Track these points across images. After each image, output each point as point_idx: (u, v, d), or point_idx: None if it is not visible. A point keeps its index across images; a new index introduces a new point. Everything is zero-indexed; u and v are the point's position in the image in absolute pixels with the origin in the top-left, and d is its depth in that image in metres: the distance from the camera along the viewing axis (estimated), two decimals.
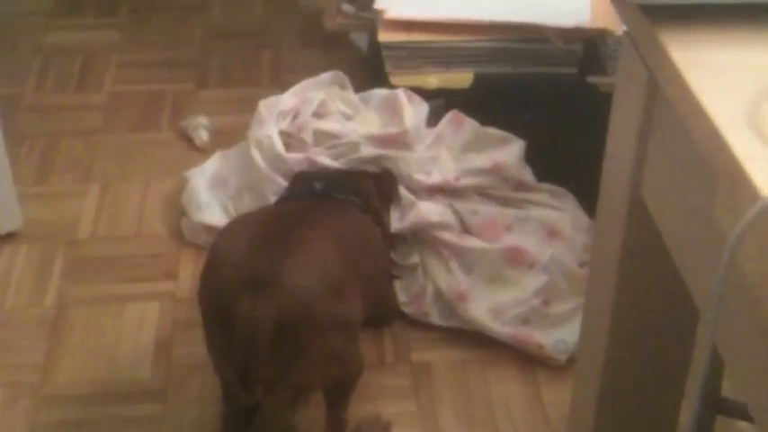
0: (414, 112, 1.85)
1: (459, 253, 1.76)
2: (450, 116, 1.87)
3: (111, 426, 1.60)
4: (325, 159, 1.82)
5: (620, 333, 1.06)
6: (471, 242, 1.77)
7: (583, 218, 1.84)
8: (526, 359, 1.72)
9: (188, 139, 2.21)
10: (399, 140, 1.83)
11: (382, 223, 1.74)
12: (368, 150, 1.81)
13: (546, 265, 1.74)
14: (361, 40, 2.37)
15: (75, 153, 2.21)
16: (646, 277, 1.02)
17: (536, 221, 1.81)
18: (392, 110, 1.86)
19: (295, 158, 1.83)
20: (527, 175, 1.86)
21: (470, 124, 1.86)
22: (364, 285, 1.54)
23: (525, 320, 1.72)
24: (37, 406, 1.62)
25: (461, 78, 1.90)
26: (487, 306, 1.73)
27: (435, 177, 1.82)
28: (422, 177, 1.81)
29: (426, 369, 1.70)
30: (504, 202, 1.85)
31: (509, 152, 1.85)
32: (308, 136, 1.86)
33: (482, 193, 1.84)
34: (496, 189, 1.85)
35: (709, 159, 0.72)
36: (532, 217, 1.81)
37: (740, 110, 0.71)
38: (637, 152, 0.93)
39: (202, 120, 2.23)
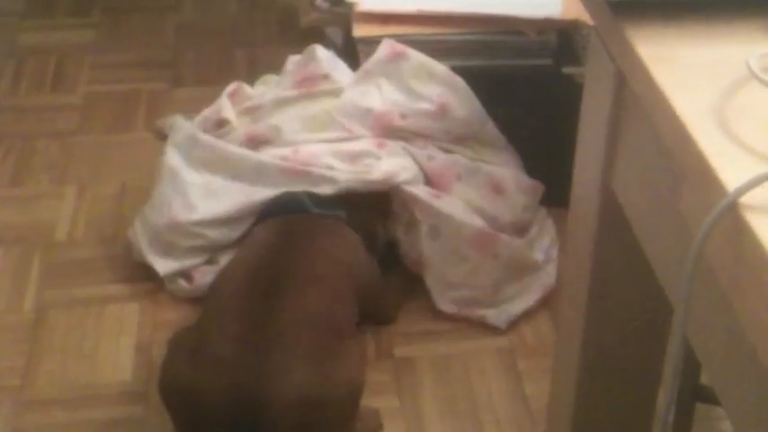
0: (331, 57, 1.87)
1: (431, 215, 1.73)
2: (385, 47, 1.84)
3: (94, 428, 1.59)
4: (229, 112, 1.83)
5: (595, 322, 1.07)
6: (447, 207, 1.74)
7: (523, 177, 1.86)
8: (508, 352, 1.72)
9: (164, 139, 2.20)
10: (317, 76, 1.83)
11: (372, 233, 1.73)
12: (287, 93, 1.81)
13: (507, 260, 1.75)
14: (336, 34, 2.36)
15: (51, 155, 2.19)
16: (620, 267, 1.02)
17: (484, 175, 1.81)
18: (308, 60, 1.89)
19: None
20: (475, 125, 1.85)
21: (412, 55, 1.83)
22: (359, 299, 1.59)
23: (471, 303, 1.75)
24: (18, 410, 1.61)
25: None
26: (443, 277, 1.74)
27: (376, 111, 1.79)
28: (360, 120, 1.79)
29: (409, 364, 1.70)
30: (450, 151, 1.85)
31: (456, 95, 1.83)
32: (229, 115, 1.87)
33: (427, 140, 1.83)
34: (440, 141, 1.83)
35: (676, 154, 0.72)
36: (481, 170, 1.81)
37: (706, 105, 0.72)
38: (607, 145, 0.94)
39: (178, 118, 2.21)
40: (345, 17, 2.07)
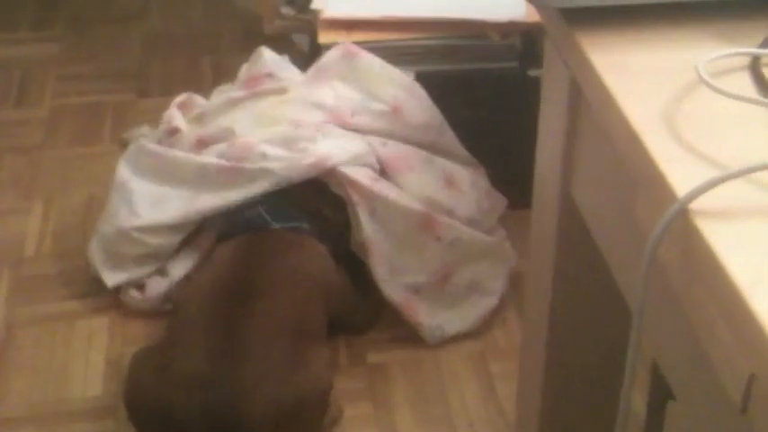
0: (278, 58, 1.89)
1: (370, 197, 1.70)
2: (340, 48, 1.84)
3: None
4: (179, 120, 1.83)
5: (559, 324, 1.08)
6: (386, 191, 1.72)
7: (484, 181, 1.87)
8: (480, 355, 1.73)
9: None
10: (262, 75, 1.84)
11: (337, 239, 1.72)
12: (234, 95, 1.83)
13: (451, 242, 1.73)
14: (303, 40, 2.36)
15: (17, 169, 2.18)
16: (581, 270, 1.03)
17: (438, 167, 1.80)
18: (254, 61, 1.91)
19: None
20: (432, 133, 1.84)
21: (366, 56, 1.82)
22: (330, 310, 1.59)
23: (417, 291, 1.72)
24: None
25: None
26: (388, 261, 1.72)
27: (328, 106, 1.78)
28: (309, 116, 1.78)
29: (381, 370, 1.70)
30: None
31: (412, 100, 1.82)
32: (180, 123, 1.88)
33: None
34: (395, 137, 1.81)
35: (628, 161, 0.73)
36: (436, 162, 1.81)
37: (657, 111, 0.72)
38: (565, 151, 0.94)
39: (145, 130, 2.20)
40: (311, 24, 2.07)
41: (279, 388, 1.41)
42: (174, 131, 1.90)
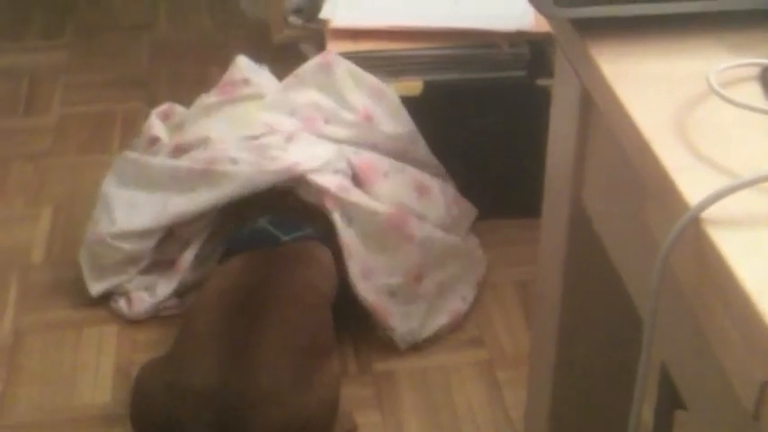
0: (254, 66, 1.92)
1: (340, 204, 1.72)
2: (318, 57, 1.86)
3: None
4: (159, 129, 1.87)
5: (569, 332, 1.08)
6: (356, 197, 1.74)
7: (452, 190, 1.89)
8: (487, 363, 1.73)
9: None
10: (238, 81, 1.87)
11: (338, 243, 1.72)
12: (210, 100, 1.86)
13: (422, 241, 1.75)
14: (311, 50, 2.36)
15: (26, 177, 2.19)
16: (591, 277, 1.03)
17: (409, 175, 1.83)
18: (231, 69, 1.95)
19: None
20: (404, 142, 1.85)
21: (344, 64, 1.84)
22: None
23: (392, 293, 1.73)
24: None
25: (411, 86, 1.91)
26: (364, 262, 1.72)
27: (302, 113, 1.80)
28: (284, 122, 1.80)
29: (389, 378, 1.71)
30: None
31: (384, 108, 1.84)
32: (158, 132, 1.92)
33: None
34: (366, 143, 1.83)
35: (639, 169, 0.73)
36: (407, 170, 1.83)
37: (667, 120, 0.73)
38: (575, 158, 0.95)
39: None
40: (319, 33, 2.08)
41: (286, 407, 1.41)
42: (153, 141, 1.92)
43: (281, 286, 1.55)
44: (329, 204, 1.71)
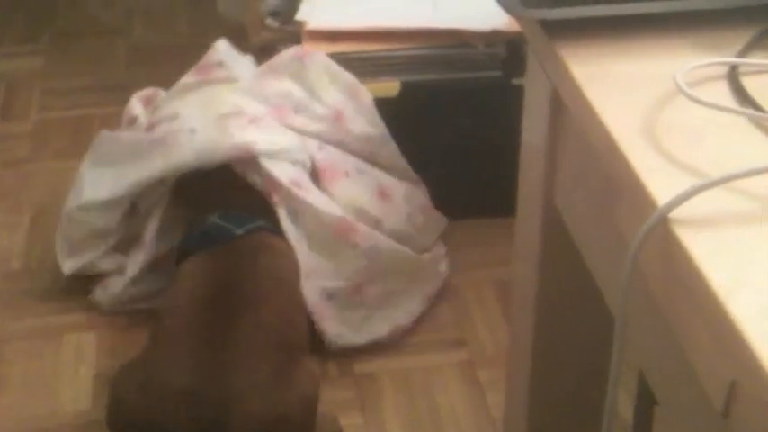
0: (231, 51, 1.93)
1: (288, 199, 1.69)
2: (294, 48, 1.87)
3: None
4: (138, 109, 1.89)
5: (545, 331, 1.08)
6: (306, 194, 1.70)
7: (422, 198, 1.87)
8: (468, 363, 1.73)
9: None
10: (213, 64, 1.89)
11: None
12: (185, 80, 1.88)
13: (368, 250, 1.72)
14: None
15: (4, 184, 2.17)
16: (566, 279, 1.04)
17: (373, 178, 1.81)
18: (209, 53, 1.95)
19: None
20: (374, 143, 1.83)
21: (319, 58, 1.83)
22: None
23: (330, 296, 1.71)
24: None
25: (388, 87, 1.91)
26: (307, 262, 1.70)
27: (271, 101, 1.78)
28: (252, 107, 1.78)
29: (370, 380, 1.71)
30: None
31: (356, 106, 1.82)
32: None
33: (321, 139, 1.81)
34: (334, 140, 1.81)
35: (609, 170, 0.74)
36: (372, 173, 1.81)
37: (636, 121, 0.73)
38: (547, 160, 0.95)
39: None
40: (295, 35, 2.08)
41: (265, 403, 1.40)
42: (132, 120, 1.93)
43: (247, 280, 1.54)
44: (276, 198, 1.69)
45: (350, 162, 1.81)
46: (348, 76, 1.84)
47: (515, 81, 1.89)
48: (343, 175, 1.78)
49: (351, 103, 1.83)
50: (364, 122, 1.83)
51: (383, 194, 1.81)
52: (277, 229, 1.68)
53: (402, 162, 1.87)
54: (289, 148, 1.73)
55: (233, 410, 1.38)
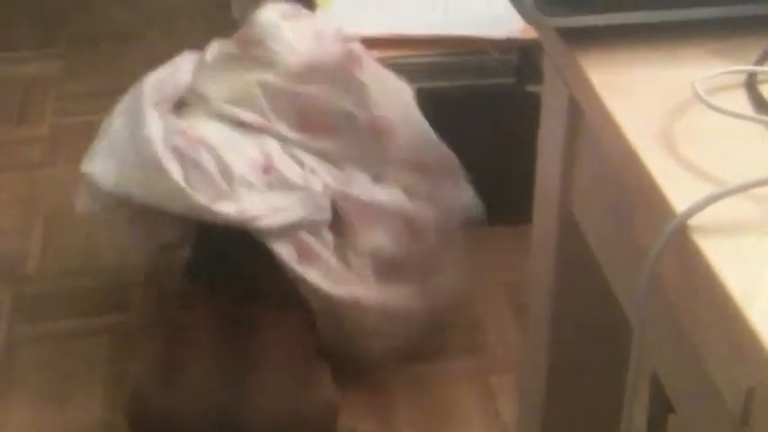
0: (275, 23, 1.71)
1: (296, 276, 1.55)
2: (338, 46, 1.69)
3: None
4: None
5: (560, 338, 1.08)
6: (306, 274, 1.55)
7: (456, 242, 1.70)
8: (480, 370, 1.73)
9: None
10: (251, 41, 1.69)
11: None
12: (229, 49, 1.73)
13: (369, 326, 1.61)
14: None
15: (19, 188, 2.18)
16: (582, 286, 1.04)
17: (403, 217, 1.64)
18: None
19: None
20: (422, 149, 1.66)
21: (371, 64, 1.66)
22: None
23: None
24: None
25: None
26: None
27: (304, 100, 1.61)
28: (283, 110, 1.62)
29: (383, 386, 1.71)
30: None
31: (399, 106, 1.65)
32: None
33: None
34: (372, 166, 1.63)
35: (627, 177, 0.74)
36: (402, 211, 1.64)
37: (655, 128, 0.73)
38: (564, 167, 0.95)
39: None
40: None
41: (284, 401, 1.41)
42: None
43: (268, 286, 1.54)
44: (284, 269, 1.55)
45: (377, 205, 1.62)
46: (401, 84, 1.69)
47: (529, 88, 1.90)
48: (367, 226, 1.60)
49: (400, 118, 1.67)
50: (413, 131, 1.68)
51: (411, 229, 1.64)
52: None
53: (453, 161, 1.71)
54: (292, 222, 1.55)
55: (254, 418, 1.39)
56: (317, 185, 1.59)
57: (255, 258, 1.58)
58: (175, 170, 1.55)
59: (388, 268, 1.62)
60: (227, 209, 1.52)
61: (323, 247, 1.57)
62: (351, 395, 1.68)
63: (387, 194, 1.64)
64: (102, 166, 1.67)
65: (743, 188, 0.66)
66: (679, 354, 0.73)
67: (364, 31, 1.92)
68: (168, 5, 2.90)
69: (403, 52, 1.90)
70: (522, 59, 1.91)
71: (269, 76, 1.66)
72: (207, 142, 1.59)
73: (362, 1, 2.01)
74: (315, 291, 1.55)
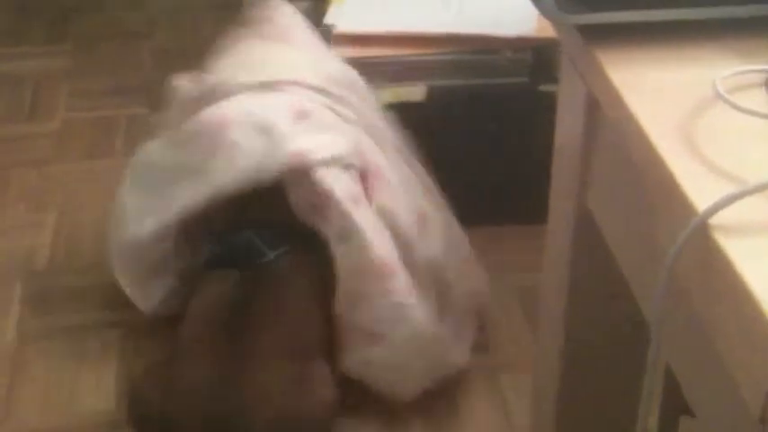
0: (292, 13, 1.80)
1: (341, 218, 1.49)
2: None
3: None
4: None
5: (575, 338, 1.08)
6: (358, 216, 1.50)
7: (451, 219, 1.69)
8: (492, 370, 1.73)
9: None
10: (263, 22, 1.74)
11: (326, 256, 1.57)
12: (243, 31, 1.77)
13: (395, 305, 1.54)
14: None
15: (29, 183, 2.19)
16: (598, 285, 1.03)
17: (417, 201, 1.62)
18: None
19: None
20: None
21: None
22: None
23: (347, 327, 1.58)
24: None
25: (414, 92, 1.91)
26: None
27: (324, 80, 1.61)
28: (305, 76, 1.62)
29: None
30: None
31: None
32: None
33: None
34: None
35: (646, 175, 0.73)
36: (417, 192, 1.64)
37: (675, 126, 0.73)
38: (581, 164, 0.95)
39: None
40: (323, 39, 2.08)
41: (283, 410, 1.41)
42: (173, 94, 1.79)
43: (268, 300, 1.53)
44: (327, 215, 1.50)
45: (400, 170, 1.63)
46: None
47: (542, 87, 1.89)
48: (387, 185, 1.58)
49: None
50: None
51: (423, 219, 1.61)
52: (310, 249, 1.57)
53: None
54: (344, 153, 1.53)
55: (252, 415, 1.39)
56: (352, 132, 1.58)
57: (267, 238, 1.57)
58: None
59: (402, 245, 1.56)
60: (282, 151, 1.49)
61: (364, 199, 1.54)
62: (357, 393, 1.68)
63: (405, 168, 1.65)
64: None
65: (764, 187, 0.66)
66: (697, 353, 0.73)
67: (377, 29, 1.92)
68: (177, 4, 2.91)
69: (416, 50, 1.90)
70: (535, 58, 1.91)
71: (285, 47, 1.70)
72: (236, 119, 1.57)
73: None
74: (361, 242, 1.49)
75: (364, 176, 1.57)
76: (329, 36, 1.95)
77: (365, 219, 1.52)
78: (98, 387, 1.70)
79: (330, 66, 1.71)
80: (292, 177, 1.53)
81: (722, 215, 0.65)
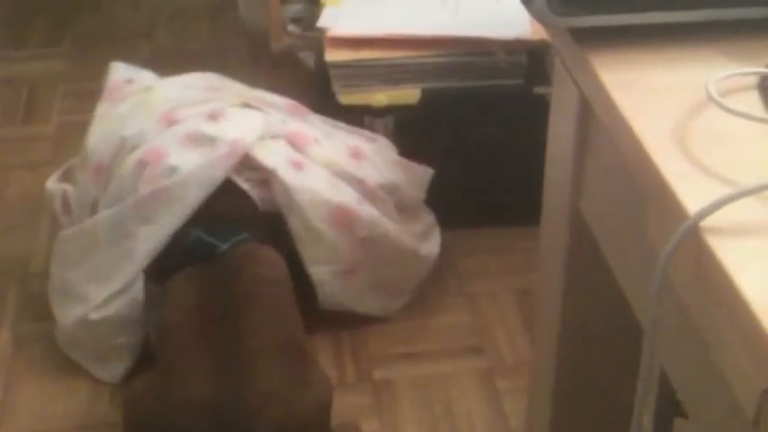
0: (136, 69, 2.02)
1: (285, 189, 1.66)
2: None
3: None
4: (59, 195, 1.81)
5: (570, 339, 1.08)
6: (301, 177, 1.68)
7: (391, 153, 1.86)
8: (487, 372, 1.73)
9: None
10: (123, 84, 1.93)
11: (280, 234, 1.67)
12: (100, 109, 1.89)
13: (365, 239, 1.72)
14: (310, 57, 2.37)
15: (25, 186, 2.19)
16: (592, 286, 1.04)
17: (340, 140, 1.82)
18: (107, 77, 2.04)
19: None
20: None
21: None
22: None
23: (323, 284, 1.72)
24: None
25: (409, 94, 1.91)
26: (304, 250, 1.70)
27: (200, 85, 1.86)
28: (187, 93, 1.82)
29: (388, 387, 1.71)
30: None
31: None
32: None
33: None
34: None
35: (639, 178, 0.73)
36: (338, 135, 1.83)
37: (667, 129, 0.73)
38: (574, 167, 0.95)
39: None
40: (317, 42, 2.08)
41: (281, 412, 1.40)
42: (64, 209, 1.86)
43: (237, 292, 1.50)
44: (276, 185, 1.66)
45: (317, 127, 1.82)
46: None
47: (537, 89, 1.89)
48: (313, 141, 1.76)
49: None
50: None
51: (356, 153, 1.81)
52: (263, 235, 1.62)
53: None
54: (265, 127, 1.71)
55: (250, 418, 1.38)
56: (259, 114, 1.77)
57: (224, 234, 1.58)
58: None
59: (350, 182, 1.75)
60: (219, 152, 1.64)
61: (305, 158, 1.72)
62: (356, 394, 1.68)
63: (319, 126, 1.84)
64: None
65: (756, 190, 0.66)
66: (691, 355, 0.73)
67: (371, 31, 1.92)
68: (174, 5, 2.91)
69: (410, 53, 1.90)
70: (530, 61, 1.91)
71: (155, 91, 1.91)
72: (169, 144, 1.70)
73: (371, 0, 2.01)
74: (311, 199, 1.66)
75: (293, 143, 1.73)
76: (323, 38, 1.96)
77: (309, 176, 1.69)
78: (93, 389, 1.70)
79: (194, 86, 1.89)
80: (237, 167, 1.66)
81: (714, 217, 0.65)
